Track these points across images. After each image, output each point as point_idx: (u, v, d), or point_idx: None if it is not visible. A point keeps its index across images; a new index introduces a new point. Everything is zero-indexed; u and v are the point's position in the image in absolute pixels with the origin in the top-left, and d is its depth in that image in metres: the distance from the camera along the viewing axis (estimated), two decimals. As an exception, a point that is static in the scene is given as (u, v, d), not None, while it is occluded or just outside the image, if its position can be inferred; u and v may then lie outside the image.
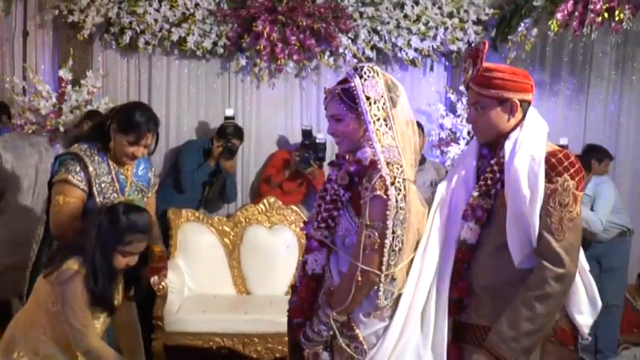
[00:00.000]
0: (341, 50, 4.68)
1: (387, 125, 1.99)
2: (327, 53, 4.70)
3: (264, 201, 4.56)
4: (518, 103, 1.98)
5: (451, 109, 4.90)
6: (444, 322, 2.03)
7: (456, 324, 2.08)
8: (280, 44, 4.49)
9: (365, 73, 1.99)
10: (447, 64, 5.01)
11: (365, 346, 2.00)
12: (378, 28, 4.67)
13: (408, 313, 2.01)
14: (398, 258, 1.96)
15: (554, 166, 1.91)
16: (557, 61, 5.08)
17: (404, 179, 1.94)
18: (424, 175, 4.13)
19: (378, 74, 2.00)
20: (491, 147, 2.08)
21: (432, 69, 4.98)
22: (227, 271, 4.46)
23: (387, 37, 4.70)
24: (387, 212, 1.90)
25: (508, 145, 1.98)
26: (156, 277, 2.91)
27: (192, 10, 4.54)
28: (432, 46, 4.74)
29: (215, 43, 4.61)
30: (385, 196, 1.90)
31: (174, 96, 4.87)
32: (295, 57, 4.59)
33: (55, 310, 2.29)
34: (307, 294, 2.15)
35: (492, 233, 2.00)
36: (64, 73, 4.52)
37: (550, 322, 1.95)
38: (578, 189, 1.91)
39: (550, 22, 4.06)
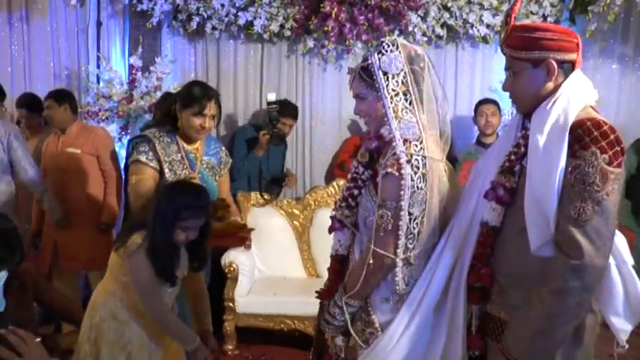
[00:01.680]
0: (410, 29, 4.56)
1: (406, 100, 1.88)
2: (397, 32, 4.59)
3: (334, 183, 4.52)
4: (555, 64, 1.71)
5: (525, 86, 4.69)
6: (458, 312, 1.83)
7: (481, 314, 1.85)
8: (348, 24, 4.42)
9: (384, 48, 1.90)
10: (520, 39, 4.80)
11: (380, 333, 1.90)
12: (449, 4, 4.53)
13: (422, 300, 1.85)
14: (417, 241, 1.85)
15: (580, 137, 1.61)
16: (643, 32, 4.75)
17: (424, 157, 1.83)
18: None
19: (397, 47, 1.90)
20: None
21: (504, 45, 4.78)
22: (297, 254, 4.46)
23: (457, 14, 4.55)
24: (401, 192, 1.80)
25: (536, 115, 1.73)
26: (242, 247, 3.01)
27: (258, -7, 4.53)
28: (505, 21, 4.55)
29: (282, 26, 4.58)
30: (398, 174, 1.81)
31: (241, 80, 4.88)
32: (364, 37, 4.51)
33: (126, 281, 2.44)
34: (334, 276, 2.09)
35: (516, 215, 1.74)
36: (135, 61, 4.64)
37: (570, 322, 1.65)
38: (611, 164, 1.59)
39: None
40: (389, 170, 1.82)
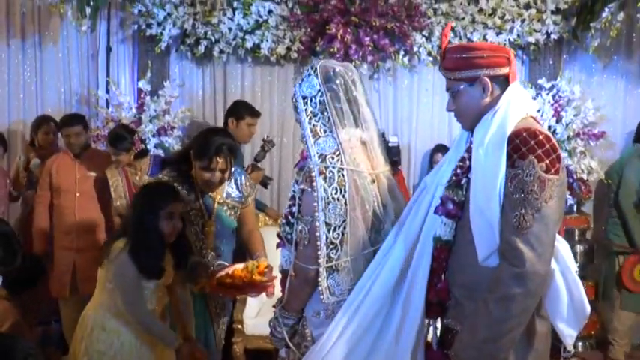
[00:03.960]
0: (415, 49, 4.62)
1: (325, 118, 1.95)
2: (402, 53, 4.65)
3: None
4: (488, 80, 1.79)
5: (531, 104, 4.71)
6: (408, 327, 1.85)
7: (444, 329, 1.89)
8: (354, 46, 4.47)
9: (304, 74, 2.01)
10: (524, 57, 4.84)
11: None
12: (453, 24, 4.57)
13: (359, 308, 1.87)
14: (342, 251, 1.89)
15: (517, 147, 1.66)
16: (646, 47, 4.78)
17: (341, 169, 1.89)
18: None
19: (315, 70, 1.98)
20: None
21: (509, 64, 4.80)
22: (305, 274, 4.44)
23: (462, 34, 4.60)
24: (315, 204, 1.86)
25: (478, 129, 1.79)
26: (263, 294, 2.89)
27: (265, 17, 4.59)
28: (509, 40, 4.59)
29: (289, 49, 4.63)
30: (311, 188, 1.88)
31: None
32: (370, 58, 4.56)
33: (112, 287, 2.58)
34: (283, 290, 2.13)
35: (465, 227, 1.79)
36: (143, 85, 4.69)
37: (516, 328, 1.68)
38: (549, 172, 1.65)
39: (639, 4, 3.83)
40: (302, 187, 1.93)
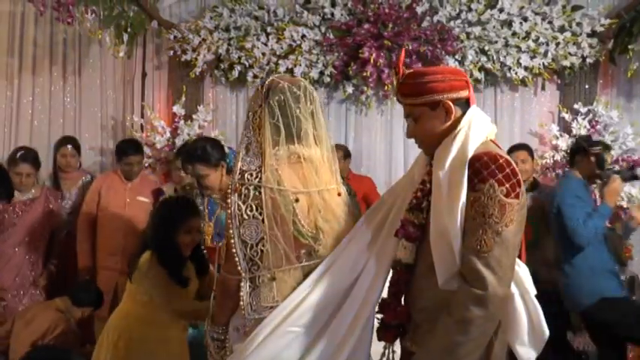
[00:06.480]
0: (448, 73, 4.58)
1: (259, 134, 1.92)
2: (434, 77, 4.62)
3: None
4: (451, 104, 1.77)
5: (565, 129, 4.65)
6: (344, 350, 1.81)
7: (403, 352, 1.88)
8: (387, 70, 4.48)
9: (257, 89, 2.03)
10: (559, 82, 4.77)
11: None
12: (486, 48, 4.55)
13: (281, 324, 1.83)
14: (263, 268, 1.85)
15: (478, 171, 1.66)
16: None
17: (258, 186, 1.85)
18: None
19: (264, 85, 1.96)
20: None
21: (543, 88, 4.76)
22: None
23: (495, 57, 4.56)
24: (229, 220, 1.86)
25: (438, 152, 1.78)
26: None
27: (298, 42, 4.64)
28: (543, 64, 4.55)
29: (322, 73, 4.67)
30: (226, 205, 1.89)
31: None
32: (402, 82, 4.54)
33: (146, 300, 2.71)
34: None
35: (425, 251, 1.77)
36: (177, 109, 4.77)
37: (474, 352, 1.67)
38: (509, 196, 1.65)
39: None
40: (224, 203, 1.96)
